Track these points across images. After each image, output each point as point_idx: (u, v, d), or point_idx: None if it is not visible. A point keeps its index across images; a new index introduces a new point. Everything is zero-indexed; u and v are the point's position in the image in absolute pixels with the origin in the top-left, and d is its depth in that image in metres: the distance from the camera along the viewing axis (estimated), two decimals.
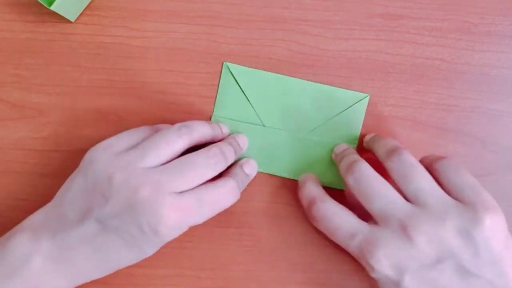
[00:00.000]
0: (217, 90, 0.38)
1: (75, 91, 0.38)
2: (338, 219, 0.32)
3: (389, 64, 0.38)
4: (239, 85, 0.37)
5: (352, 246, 0.31)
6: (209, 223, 0.37)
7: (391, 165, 0.31)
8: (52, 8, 0.35)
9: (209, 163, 0.32)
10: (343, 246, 0.32)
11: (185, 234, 0.37)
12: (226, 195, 0.32)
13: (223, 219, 0.37)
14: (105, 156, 0.31)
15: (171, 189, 0.30)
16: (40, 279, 0.30)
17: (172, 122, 0.38)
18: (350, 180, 0.32)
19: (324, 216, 0.32)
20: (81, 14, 0.39)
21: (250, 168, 0.37)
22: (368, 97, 0.37)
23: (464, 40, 0.39)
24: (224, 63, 0.37)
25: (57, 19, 0.38)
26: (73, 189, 0.32)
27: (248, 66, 0.38)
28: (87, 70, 0.38)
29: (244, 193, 0.37)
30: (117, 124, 0.38)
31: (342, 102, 0.37)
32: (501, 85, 0.38)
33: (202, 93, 0.38)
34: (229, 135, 0.37)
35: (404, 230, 0.29)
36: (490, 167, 0.38)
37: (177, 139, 0.32)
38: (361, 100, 0.37)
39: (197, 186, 0.31)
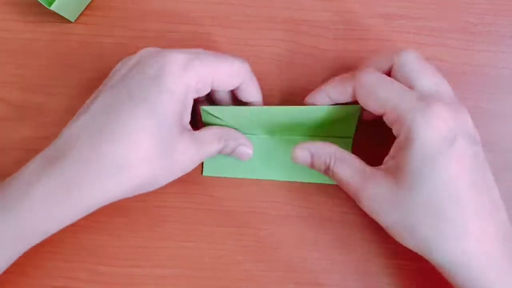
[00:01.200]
0: None
1: (75, 91, 0.38)
2: (389, 80, 0.31)
3: None
4: (220, 119, 0.36)
5: (409, 98, 0.29)
6: (209, 223, 0.37)
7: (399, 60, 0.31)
8: (52, 8, 0.35)
9: (232, 67, 0.32)
10: (395, 98, 0.30)
11: (185, 234, 0.37)
12: (228, 59, 0.32)
13: (223, 219, 0.37)
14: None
15: (182, 63, 0.30)
16: (59, 190, 0.29)
17: None
18: (360, 87, 0.31)
19: (375, 78, 0.31)
20: (81, 14, 0.39)
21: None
22: (359, 107, 0.34)
23: (464, 40, 0.39)
24: (201, 107, 0.35)
25: (57, 19, 0.38)
26: (96, 103, 0.31)
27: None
28: (87, 70, 0.38)
29: (244, 193, 0.38)
30: None
31: (332, 118, 0.35)
32: (501, 85, 0.38)
33: None
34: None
35: (455, 102, 0.30)
36: (490, 167, 0.38)
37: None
38: (353, 111, 0.35)
39: None
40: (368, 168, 0.31)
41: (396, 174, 0.29)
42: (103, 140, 0.29)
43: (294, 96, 0.38)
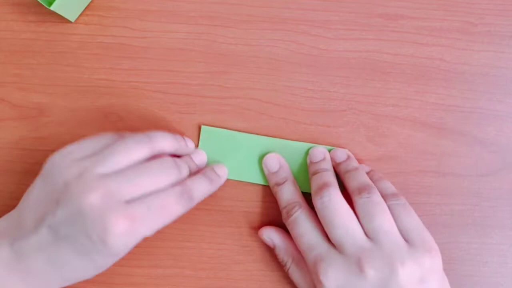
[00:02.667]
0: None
1: (75, 91, 0.38)
2: (308, 228, 0.33)
3: (389, 64, 0.38)
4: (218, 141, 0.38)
5: (308, 257, 0.33)
6: (209, 223, 0.37)
7: (359, 201, 0.33)
8: (52, 8, 0.35)
9: (161, 171, 0.32)
10: (303, 253, 0.33)
11: (185, 234, 0.37)
12: (174, 202, 0.32)
13: (223, 219, 0.37)
14: (64, 162, 0.31)
15: (120, 196, 0.30)
16: (3, 285, 0.30)
17: (172, 122, 0.38)
18: (318, 203, 0.33)
19: (296, 220, 0.34)
20: (81, 14, 0.39)
21: (220, 170, 0.36)
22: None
23: (464, 40, 0.39)
24: (202, 126, 0.37)
25: (57, 19, 0.38)
26: (32, 195, 0.31)
27: (248, 66, 0.38)
28: (87, 70, 0.38)
29: (244, 193, 0.38)
30: (117, 124, 0.38)
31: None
32: (501, 85, 0.38)
33: (202, 93, 0.38)
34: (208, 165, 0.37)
35: (358, 260, 0.31)
36: (490, 167, 0.38)
37: (137, 147, 0.32)
38: None
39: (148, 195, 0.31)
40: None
41: None
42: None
43: (295, 96, 0.38)
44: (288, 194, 0.35)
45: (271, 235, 0.36)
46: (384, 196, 0.33)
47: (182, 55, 0.39)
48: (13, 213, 0.33)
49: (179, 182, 0.33)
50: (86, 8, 0.39)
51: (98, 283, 0.36)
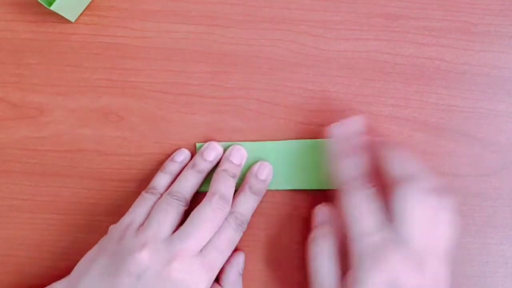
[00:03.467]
0: None
1: (75, 91, 0.38)
2: (365, 210, 0.31)
3: (389, 64, 0.38)
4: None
5: (364, 244, 0.30)
6: None
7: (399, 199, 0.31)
8: (52, 8, 0.35)
9: (215, 213, 0.33)
10: (354, 239, 0.31)
11: None
12: (235, 234, 0.34)
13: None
14: (128, 234, 0.33)
15: (195, 251, 0.32)
16: None
17: (172, 122, 0.38)
18: (401, 192, 0.30)
19: (352, 202, 0.31)
20: (81, 14, 0.39)
21: (265, 173, 0.37)
22: None
23: (464, 40, 0.39)
24: (196, 144, 0.37)
25: (57, 19, 0.38)
26: (96, 267, 0.32)
27: (248, 66, 0.38)
28: (87, 70, 0.38)
29: None
30: (117, 124, 0.38)
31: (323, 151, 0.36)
32: (501, 85, 0.38)
33: (202, 93, 0.38)
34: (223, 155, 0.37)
35: (420, 259, 0.30)
36: (490, 167, 0.38)
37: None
38: None
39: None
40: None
41: None
42: None
43: (295, 96, 0.38)
44: (349, 169, 0.33)
45: (327, 210, 0.35)
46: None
47: (182, 55, 0.39)
48: (69, 285, 0.33)
49: (230, 212, 0.34)
50: (86, 8, 0.39)
51: None
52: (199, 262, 0.32)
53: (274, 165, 0.37)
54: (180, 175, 0.36)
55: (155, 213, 0.33)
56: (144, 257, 0.31)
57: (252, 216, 0.37)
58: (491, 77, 0.38)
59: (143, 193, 0.35)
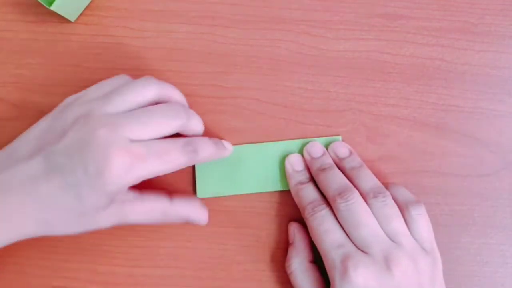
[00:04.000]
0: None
1: (75, 91, 0.38)
2: (332, 226, 0.33)
3: (389, 64, 0.38)
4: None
5: (335, 254, 0.32)
6: (209, 223, 0.37)
7: (376, 204, 0.33)
8: (52, 8, 0.35)
9: (168, 115, 0.32)
10: (325, 250, 0.33)
11: (185, 234, 0.37)
12: (177, 150, 0.32)
13: (223, 219, 0.37)
14: (76, 101, 0.32)
15: (126, 133, 0.30)
16: None
17: None
18: (341, 206, 0.33)
19: (319, 219, 0.34)
20: (81, 14, 0.39)
21: (227, 144, 0.36)
22: (340, 138, 0.37)
23: (464, 40, 0.39)
24: None
25: (57, 19, 0.38)
26: (35, 129, 0.32)
27: (248, 66, 0.38)
28: (87, 70, 0.38)
29: (244, 193, 0.38)
30: None
31: None
32: (501, 85, 0.38)
33: (202, 93, 0.38)
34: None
35: (386, 260, 0.31)
36: (490, 167, 0.38)
37: (144, 89, 0.32)
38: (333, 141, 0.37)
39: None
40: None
41: None
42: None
43: (295, 96, 0.38)
44: (313, 192, 0.35)
45: (296, 230, 0.36)
46: (406, 203, 0.34)
47: (182, 55, 0.39)
48: (6, 147, 0.33)
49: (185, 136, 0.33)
50: (86, 8, 0.39)
51: (98, 283, 0.36)
52: (124, 143, 0.30)
53: (274, 166, 0.37)
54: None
55: (125, 86, 0.32)
56: (82, 110, 0.31)
57: (252, 216, 0.37)
58: (491, 77, 0.38)
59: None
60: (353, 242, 0.32)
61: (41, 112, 0.38)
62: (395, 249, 0.32)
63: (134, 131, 0.30)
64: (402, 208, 0.34)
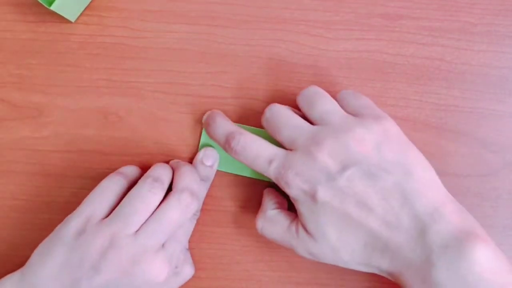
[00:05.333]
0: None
1: (75, 91, 0.38)
2: (258, 146, 0.33)
3: (389, 64, 0.38)
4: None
5: (271, 171, 0.32)
6: (209, 223, 0.37)
7: (299, 97, 0.34)
8: (52, 8, 0.35)
9: (176, 206, 0.33)
10: (264, 172, 0.33)
11: None
12: (185, 233, 0.35)
13: (223, 219, 0.37)
14: (88, 230, 0.31)
15: (155, 247, 0.32)
16: None
17: (172, 122, 0.38)
18: (264, 119, 0.34)
19: (244, 147, 0.33)
20: (81, 14, 0.39)
21: (211, 159, 0.37)
22: None
23: (464, 40, 0.39)
24: (203, 129, 0.37)
25: (57, 19, 0.38)
26: (54, 261, 0.31)
27: (248, 66, 0.38)
28: (87, 70, 0.38)
29: (244, 193, 0.38)
30: (117, 124, 0.38)
31: None
32: (501, 85, 0.38)
33: (202, 93, 0.38)
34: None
35: (307, 148, 0.31)
36: (490, 167, 0.38)
37: (152, 196, 0.33)
38: None
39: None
40: (292, 227, 0.33)
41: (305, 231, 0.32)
42: None
43: (295, 96, 0.38)
44: (222, 125, 0.35)
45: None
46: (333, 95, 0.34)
47: (182, 55, 0.39)
48: (20, 275, 0.31)
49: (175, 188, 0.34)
50: (86, 8, 0.39)
51: None
52: (162, 256, 0.32)
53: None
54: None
55: (131, 200, 0.33)
56: (102, 240, 0.31)
57: (252, 216, 0.37)
58: (491, 77, 0.38)
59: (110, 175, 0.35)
60: (283, 145, 0.33)
61: (41, 112, 0.38)
62: (318, 132, 0.31)
63: (160, 241, 0.32)
64: (334, 96, 0.34)
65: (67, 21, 0.38)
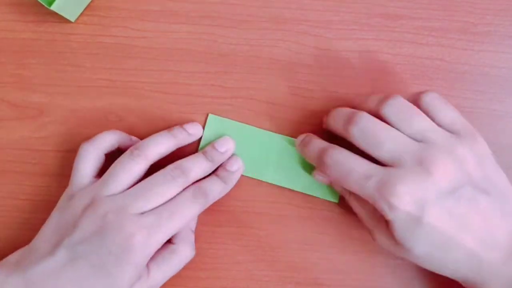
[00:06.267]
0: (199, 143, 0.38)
1: (75, 91, 0.38)
2: (352, 161, 0.31)
3: (389, 64, 0.38)
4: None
5: (367, 188, 0.30)
6: (209, 223, 0.37)
7: (386, 109, 0.32)
8: (52, 8, 0.35)
9: (166, 180, 0.33)
10: (357, 189, 0.31)
11: None
12: (186, 204, 0.33)
13: (223, 219, 0.37)
14: (76, 195, 0.34)
15: (133, 210, 0.32)
16: None
17: (172, 122, 0.38)
18: (354, 130, 0.31)
19: (337, 160, 0.32)
20: (81, 14, 0.39)
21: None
22: None
23: (464, 40, 0.39)
24: (209, 115, 0.38)
25: (57, 19, 0.38)
26: (47, 227, 0.33)
27: (248, 66, 0.38)
28: (87, 70, 0.38)
29: (244, 193, 0.38)
30: (117, 124, 0.38)
31: None
32: (501, 85, 0.38)
33: (202, 93, 0.38)
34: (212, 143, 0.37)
35: (420, 163, 0.29)
36: None
37: (133, 164, 0.33)
38: None
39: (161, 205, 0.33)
40: (377, 213, 0.32)
41: (391, 235, 0.31)
42: None
43: (295, 96, 0.38)
44: (316, 143, 0.34)
45: (321, 175, 0.36)
46: (414, 99, 0.32)
47: (182, 55, 0.39)
48: (25, 247, 0.34)
49: (193, 184, 0.34)
50: (86, 8, 0.39)
51: None
52: (136, 219, 0.31)
53: (278, 159, 0.37)
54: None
55: (114, 167, 0.34)
56: (85, 200, 0.32)
57: (252, 216, 0.37)
58: (491, 77, 0.38)
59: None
60: (382, 164, 0.31)
61: (41, 112, 0.38)
62: (425, 149, 0.30)
63: (140, 207, 0.32)
64: (416, 102, 0.32)
65: (67, 21, 0.38)
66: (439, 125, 0.31)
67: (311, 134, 0.36)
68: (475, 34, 0.39)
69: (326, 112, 0.38)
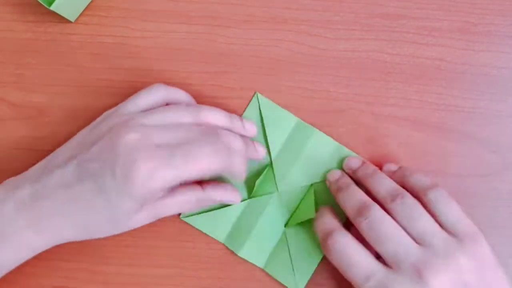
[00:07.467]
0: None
1: (75, 91, 0.38)
2: (356, 256, 0.31)
3: (389, 64, 0.38)
4: (262, 122, 0.37)
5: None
6: None
7: (396, 208, 0.32)
8: (52, 8, 0.35)
9: (203, 135, 0.32)
10: (355, 285, 0.31)
11: (185, 233, 0.37)
12: (205, 152, 0.31)
13: None
14: (111, 115, 0.33)
15: (153, 140, 0.30)
16: (9, 226, 0.31)
17: None
18: (363, 224, 0.32)
19: (340, 251, 0.32)
20: (81, 14, 0.39)
21: (261, 146, 0.37)
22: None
23: (464, 40, 0.39)
24: (256, 93, 0.38)
25: (57, 19, 0.38)
26: (72, 141, 0.34)
27: (248, 66, 0.38)
28: (87, 70, 0.38)
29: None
30: None
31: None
32: (501, 85, 0.38)
33: (202, 93, 0.38)
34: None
35: (419, 274, 0.30)
36: (490, 167, 0.38)
37: (184, 114, 0.33)
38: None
39: None
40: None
41: None
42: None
43: (295, 96, 0.38)
44: (325, 220, 0.34)
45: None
46: (420, 191, 0.33)
47: (182, 55, 0.39)
48: (45, 159, 0.34)
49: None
50: (86, 8, 0.39)
51: (98, 283, 0.36)
52: (151, 149, 0.30)
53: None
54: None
55: (167, 110, 0.33)
56: (119, 120, 0.32)
57: None
58: (491, 77, 0.38)
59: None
60: (383, 257, 0.31)
61: (41, 112, 0.38)
62: (426, 257, 0.30)
63: (160, 137, 0.31)
64: (420, 196, 0.32)
65: (67, 21, 0.38)
66: (442, 224, 0.32)
67: (328, 208, 0.35)
68: (475, 34, 0.39)
69: (326, 111, 0.38)
